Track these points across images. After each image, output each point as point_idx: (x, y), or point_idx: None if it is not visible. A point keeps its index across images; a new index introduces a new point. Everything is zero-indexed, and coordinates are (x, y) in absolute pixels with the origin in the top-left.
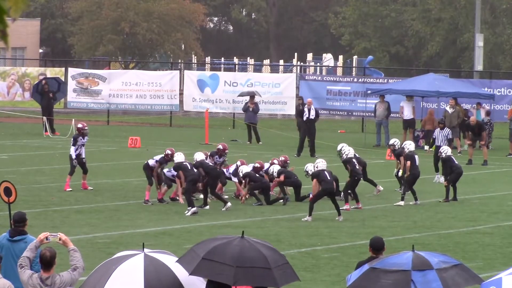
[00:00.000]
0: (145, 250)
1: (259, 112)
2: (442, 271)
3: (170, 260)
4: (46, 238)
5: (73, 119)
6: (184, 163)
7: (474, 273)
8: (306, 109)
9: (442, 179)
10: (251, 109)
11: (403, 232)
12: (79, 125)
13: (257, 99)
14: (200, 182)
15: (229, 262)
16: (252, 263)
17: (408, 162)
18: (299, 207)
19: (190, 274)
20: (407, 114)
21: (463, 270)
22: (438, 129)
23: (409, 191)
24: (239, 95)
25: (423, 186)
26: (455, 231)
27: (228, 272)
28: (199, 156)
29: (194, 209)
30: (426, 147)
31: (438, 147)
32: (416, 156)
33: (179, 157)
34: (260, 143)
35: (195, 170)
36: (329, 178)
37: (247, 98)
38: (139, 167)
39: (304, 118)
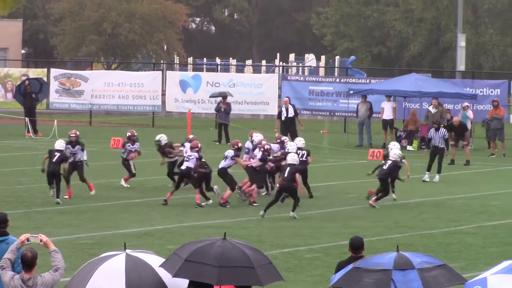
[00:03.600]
0: (127, 250)
1: (243, 113)
2: (424, 271)
3: (152, 260)
4: (27, 239)
5: (55, 120)
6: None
7: (457, 273)
8: (283, 109)
9: (426, 176)
10: (223, 109)
11: (385, 233)
12: (128, 133)
13: (229, 99)
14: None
15: (212, 263)
16: (235, 263)
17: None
18: (282, 208)
19: (173, 277)
20: (387, 114)
21: (447, 270)
22: (433, 129)
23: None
24: (210, 96)
25: (407, 185)
26: (438, 231)
27: (212, 272)
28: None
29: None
30: (409, 147)
31: (435, 147)
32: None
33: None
34: (229, 144)
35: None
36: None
37: (219, 98)
38: (121, 168)
39: (283, 118)
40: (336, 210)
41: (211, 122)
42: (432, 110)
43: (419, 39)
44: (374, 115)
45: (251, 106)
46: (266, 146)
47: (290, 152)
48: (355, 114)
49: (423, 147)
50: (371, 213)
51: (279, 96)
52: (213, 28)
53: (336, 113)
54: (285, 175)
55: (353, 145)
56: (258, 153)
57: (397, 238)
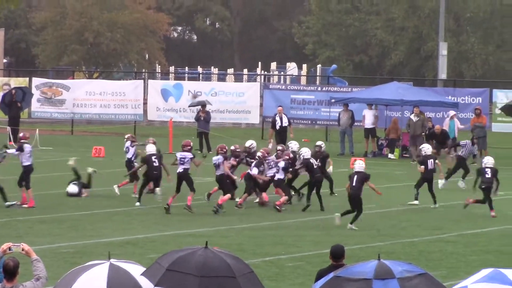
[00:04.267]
0: (111, 259)
1: (224, 121)
2: (404, 280)
3: (135, 270)
4: (9, 248)
5: (37, 129)
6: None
7: (438, 282)
8: (277, 118)
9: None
10: (202, 118)
11: (367, 241)
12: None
13: (209, 107)
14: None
15: (193, 272)
16: (216, 273)
17: (422, 167)
18: (264, 216)
19: (155, 286)
20: (368, 122)
21: (428, 279)
22: (469, 142)
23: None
24: (189, 105)
25: (389, 194)
26: (419, 240)
27: (193, 282)
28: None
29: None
30: (390, 156)
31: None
32: (430, 161)
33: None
34: (210, 152)
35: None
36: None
37: (200, 107)
38: (103, 177)
39: (277, 127)
40: (318, 218)
41: (193, 130)
42: (414, 118)
43: (401, 48)
44: (355, 123)
45: (233, 114)
46: (291, 155)
47: (306, 159)
48: (336, 123)
49: (405, 155)
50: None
51: (261, 105)
52: (195, 37)
53: (318, 122)
54: (353, 183)
55: (335, 154)
56: (280, 163)
57: (379, 247)
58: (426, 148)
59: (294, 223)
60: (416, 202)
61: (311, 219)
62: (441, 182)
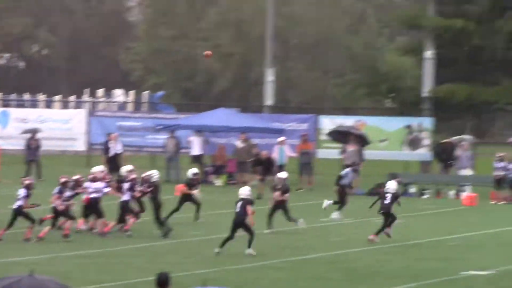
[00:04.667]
0: None
1: (51, 148)
2: None
3: None
4: None
5: None
6: None
7: None
8: (111, 145)
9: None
10: (33, 145)
11: (192, 268)
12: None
13: (38, 135)
14: None
15: None
16: None
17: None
18: (90, 243)
19: None
20: (196, 149)
21: None
22: (351, 170)
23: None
24: (21, 133)
25: (215, 220)
26: (245, 266)
27: None
28: None
29: None
30: (217, 182)
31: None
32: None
33: None
34: (42, 179)
35: None
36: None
37: (30, 134)
38: None
39: (112, 153)
40: (144, 245)
41: (21, 158)
42: (240, 145)
43: (228, 74)
44: (183, 150)
45: (60, 142)
46: (133, 176)
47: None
48: (163, 150)
49: (230, 182)
50: (180, 248)
51: (87, 132)
52: (22, 63)
53: (144, 149)
54: (237, 209)
55: (161, 181)
56: (126, 184)
57: (204, 274)
58: (282, 174)
59: (120, 250)
60: (300, 222)
61: (138, 246)
62: (326, 203)
